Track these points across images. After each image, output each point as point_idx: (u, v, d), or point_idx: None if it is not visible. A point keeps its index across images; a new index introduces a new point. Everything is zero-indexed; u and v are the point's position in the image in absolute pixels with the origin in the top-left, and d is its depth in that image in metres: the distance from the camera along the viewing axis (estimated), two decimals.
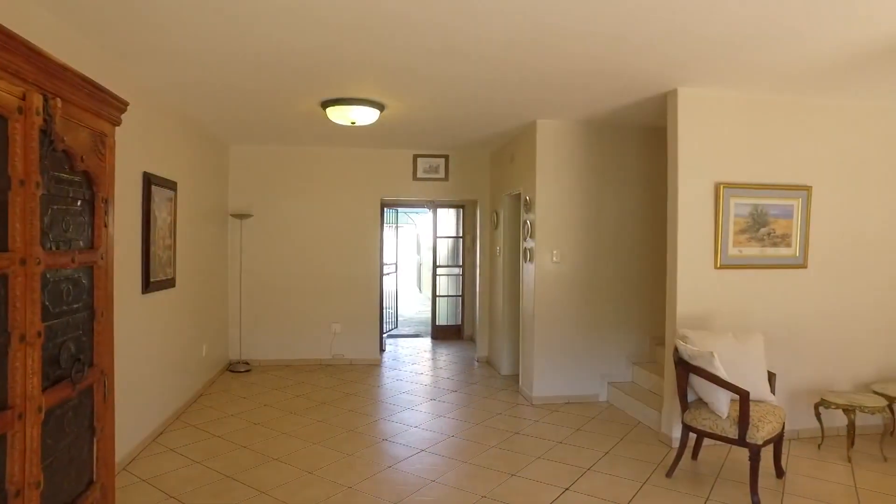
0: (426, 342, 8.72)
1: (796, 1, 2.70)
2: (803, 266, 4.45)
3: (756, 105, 4.36)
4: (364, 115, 4.77)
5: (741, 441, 3.34)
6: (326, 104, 4.71)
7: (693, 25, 3.01)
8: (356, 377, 6.34)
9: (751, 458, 3.32)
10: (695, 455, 3.98)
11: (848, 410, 3.98)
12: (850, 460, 3.98)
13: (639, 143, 5.58)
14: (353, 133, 6.04)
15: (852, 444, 4.06)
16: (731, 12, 2.83)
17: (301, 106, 4.89)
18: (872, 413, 3.97)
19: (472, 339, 8.62)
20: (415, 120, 5.41)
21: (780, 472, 3.69)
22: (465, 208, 8.89)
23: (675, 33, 3.14)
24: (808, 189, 4.43)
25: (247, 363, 6.69)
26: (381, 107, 4.80)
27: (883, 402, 3.98)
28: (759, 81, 4.02)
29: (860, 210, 4.55)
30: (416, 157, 7.15)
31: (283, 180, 6.92)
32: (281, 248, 6.91)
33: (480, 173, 7.34)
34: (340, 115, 4.76)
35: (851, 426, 4.02)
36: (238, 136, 6.32)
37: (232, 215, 6.64)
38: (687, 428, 3.64)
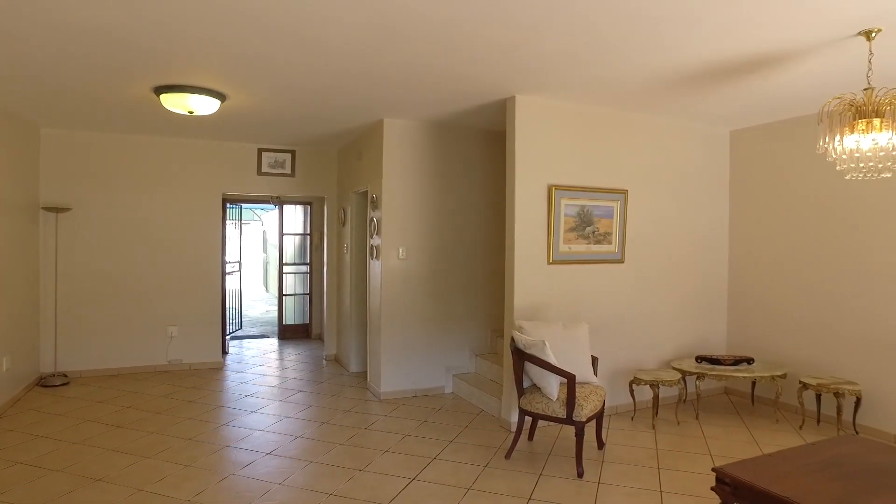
0: (273, 343, 8.42)
1: (614, 27, 3.06)
2: (621, 261, 5.04)
3: (584, 115, 4.84)
4: (203, 105, 4.48)
5: (568, 420, 3.70)
6: (160, 90, 4.35)
7: (527, 40, 3.27)
8: (196, 383, 5.94)
9: (576, 434, 3.71)
10: (531, 436, 4.33)
11: (653, 385, 4.60)
12: (654, 427, 4.60)
13: (483, 145, 5.91)
14: (191, 123, 5.64)
15: (656, 413, 4.70)
16: (560, 31, 3.12)
17: (130, 91, 4.45)
18: (671, 386, 4.62)
19: (320, 338, 8.49)
20: (259, 112, 5.19)
21: (601, 444, 4.15)
22: (313, 205, 8.72)
23: (512, 45, 3.38)
24: (624, 193, 5.01)
25: (64, 375, 5.94)
26: (222, 97, 4.54)
27: (678, 376, 4.66)
28: (586, 94, 4.46)
29: (662, 214, 5.27)
30: (260, 151, 6.86)
31: (109, 171, 6.24)
32: (107, 246, 6.23)
33: (328, 170, 7.26)
34: (176, 104, 4.42)
35: (656, 398, 4.66)
36: (51, 119, 5.57)
37: (44, 208, 5.85)
38: (523, 412, 3.95)
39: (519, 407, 3.97)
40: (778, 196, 5.23)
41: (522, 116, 4.57)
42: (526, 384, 3.99)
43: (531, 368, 3.89)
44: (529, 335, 3.99)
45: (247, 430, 4.52)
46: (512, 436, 4.22)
